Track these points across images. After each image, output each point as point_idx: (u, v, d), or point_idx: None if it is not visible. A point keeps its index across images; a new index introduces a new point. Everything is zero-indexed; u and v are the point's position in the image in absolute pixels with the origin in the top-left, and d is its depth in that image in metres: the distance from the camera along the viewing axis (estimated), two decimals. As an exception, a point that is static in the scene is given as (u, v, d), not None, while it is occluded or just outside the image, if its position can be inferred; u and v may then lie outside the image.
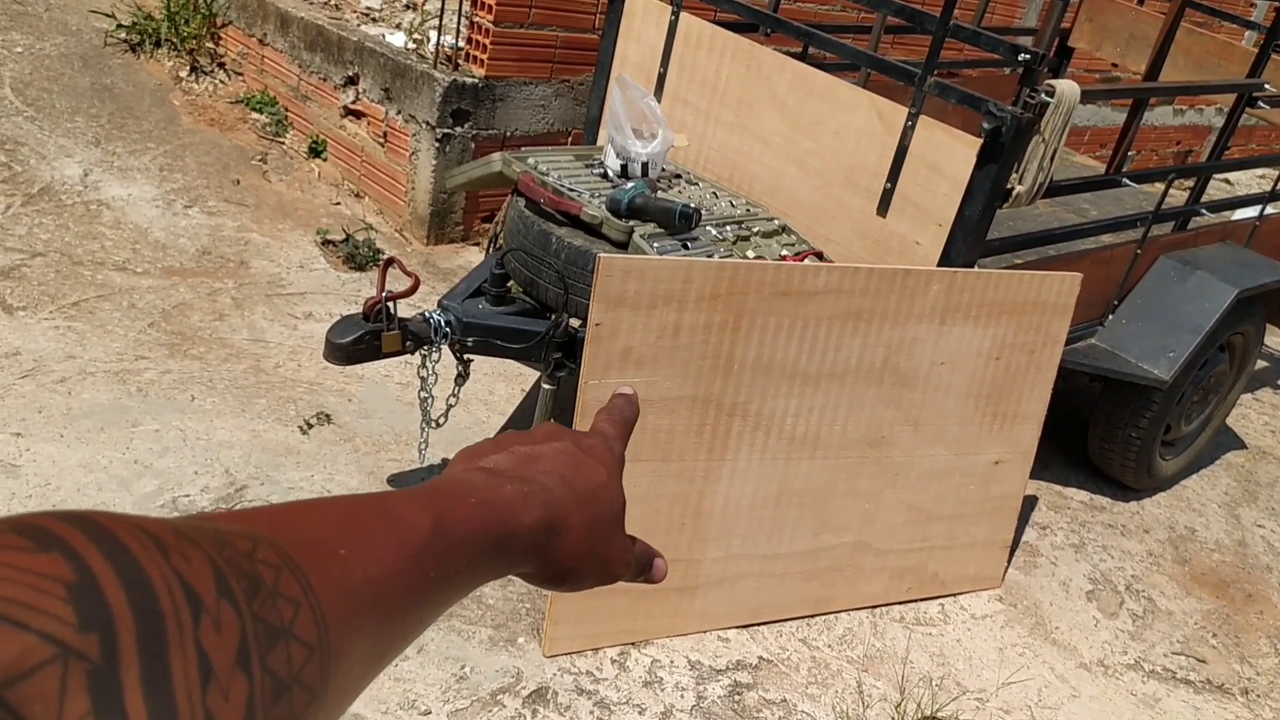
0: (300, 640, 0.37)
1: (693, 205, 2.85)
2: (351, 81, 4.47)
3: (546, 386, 2.86)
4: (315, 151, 4.68)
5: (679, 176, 3.25)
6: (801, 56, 3.56)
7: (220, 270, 3.76)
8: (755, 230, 3.00)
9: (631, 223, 2.78)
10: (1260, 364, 5.07)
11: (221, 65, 5.03)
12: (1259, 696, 3.00)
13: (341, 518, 0.44)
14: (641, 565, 0.65)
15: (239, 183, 4.35)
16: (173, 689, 0.32)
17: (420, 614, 0.47)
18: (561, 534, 0.56)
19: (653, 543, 0.67)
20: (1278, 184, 4.07)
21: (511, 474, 0.56)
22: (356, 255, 4.05)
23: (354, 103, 4.48)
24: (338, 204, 4.48)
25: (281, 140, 4.76)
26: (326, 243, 4.13)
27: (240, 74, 5.03)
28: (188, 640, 0.32)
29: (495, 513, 0.52)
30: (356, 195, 4.57)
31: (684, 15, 3.36)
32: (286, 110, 4.82)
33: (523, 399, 3.43)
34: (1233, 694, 2.99)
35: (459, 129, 4.13)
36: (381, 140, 4.39)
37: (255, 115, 4.80)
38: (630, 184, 2.92)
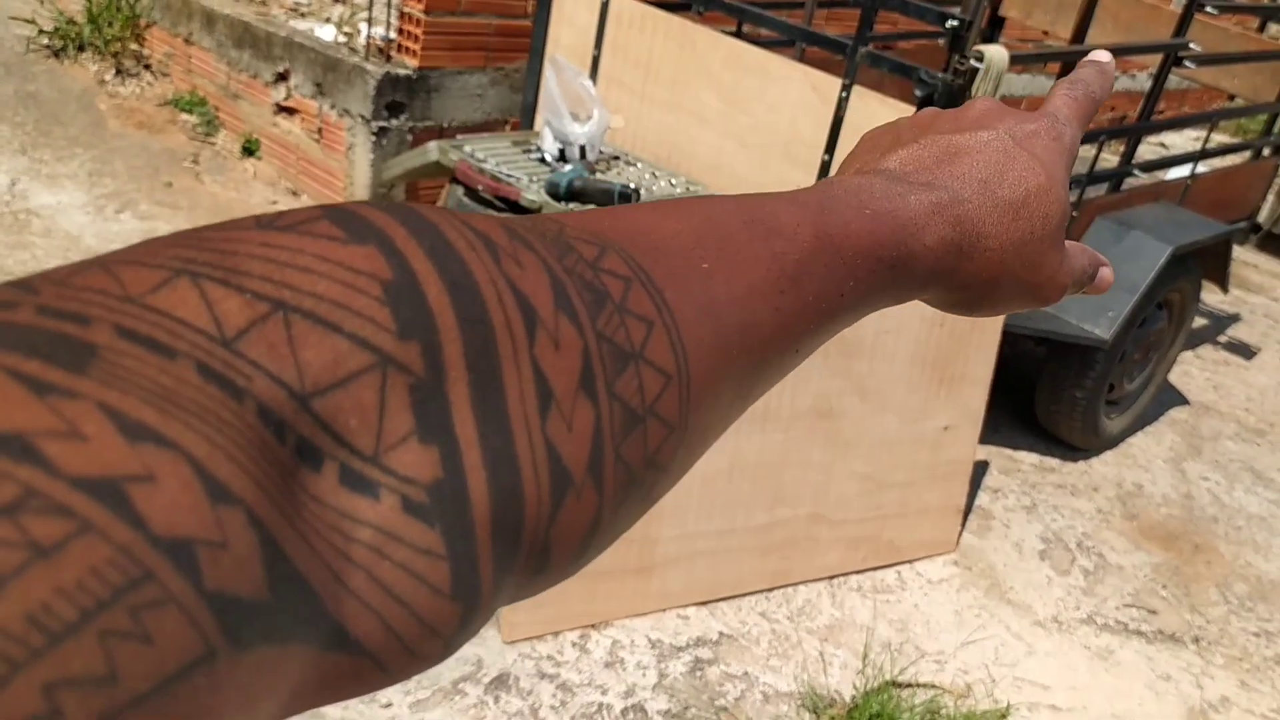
0: (655, 366, 0.31)
1: (632, 185, 2.84)
2: (282, 78, 4.40)
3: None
4: (249, 150, 4.61)
5: (617, 158, 3.24)
6: (736, 33, 3.57)
7: (156, 274, 3.69)
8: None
9: (571, 205, 2.77)
10: (1200, 321, 5.16)
11: (147, 67, 4.94)
12: (1209, 644, 3.06)
13: (704, 225, 0.36)
14: (1082, 279, 0.51)
15: (171, 185, 4.28)
16: (506, 412, 0.27)
17: (795, 343, 0.39)
18: (973, 256, 0.45)
19: None
20: (1207, 143, 4.15)
21: (919, 178, 0.45)
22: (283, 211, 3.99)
23: (286, 99, 4.42)
24: (275, 202, 4.41)
25: (213, 140, 4.68)
26: (265, 242, 4.07)
27: (167, 75, 4.93)
28: (523, 358, 0.28)
29: (893, 229, 0.42)
30: (294, 193, 4.50)
31: (615, -4, 3.35)
32: (217, 110, 4.74)
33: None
34: (1184, 643, 3.05)
35: (395, 121, 4.09)
36: (316, 136, 4.33)
37: (185, 116, 4.72)
38: (568, 167, 2.91)
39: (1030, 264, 0.46)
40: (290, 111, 4.44)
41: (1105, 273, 0.53)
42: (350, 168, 4.20)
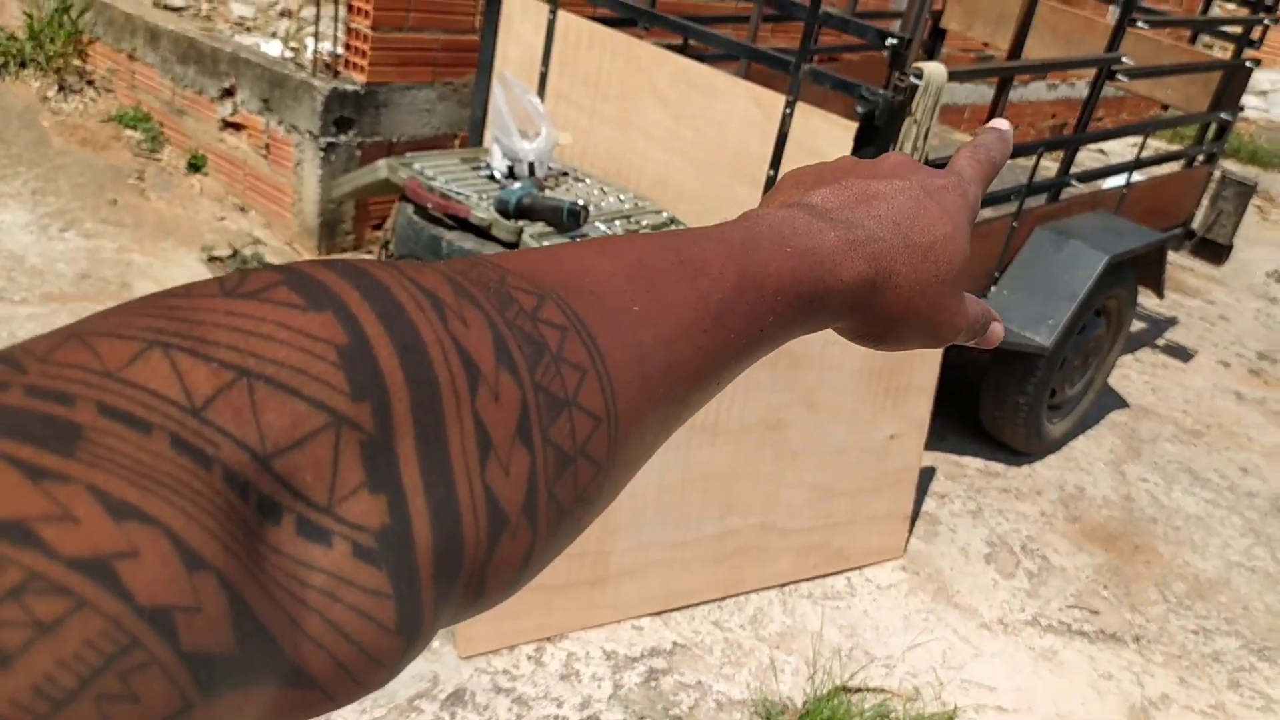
0: (586, 410, 0.34)
1: (581, 202, 2.87)
2: (228, 93, 4.38)
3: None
4: (195, 166, 4.58)
5: (566, 174, 3.27)
6: (682, 48, 3.61)
7: (102, 294, 3.66)
8: (644, 224, 3.04)
9: (520, 223, 2.80)
10: (1138, 325, 5.29)
11: (90, 83, 4.89)
12: (1150, 642, 3.15)
13: (636, 266, 0.39)
14: (976, 329, 0.55)
15: (116, 203, 4.24)
16: (449, 462, 0.30)
17: (718, 377, 0.41)
18: (885, 292, 0.48)
19: None
20: (1141, 152, 4.26)
21: (839, 215, 0.48)
22: (245, 271, 3.97)
23: (232, 115, 4.40)
24: (222, 219, 4.39)
25: (158, 157, 4.64)
26: (213, 259, 4.05)
27: (111, 91, 4.89)
28: (465, 411, 0.30)
29: (812, 265, 0.44)
30: (241, 209, 4.48)
31: (562, 13, 3.38)
32: (162, 126, 4.71)
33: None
34: (1125, 642, 3.13)
35: (343, 137, 4.09)
36: (264, 152, 4.31)
37: (129, 132, 4.68)
38: (518, 184, 2.93)
39: (934, 304, 0.50)
40: (237, 127, 4.42)
41: (996, 327, 0.57)
42: (298, 183, 4.19)
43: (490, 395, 0.31)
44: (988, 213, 3.62)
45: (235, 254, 4.06)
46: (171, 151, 4.67)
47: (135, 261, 3.91)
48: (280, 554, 0.26)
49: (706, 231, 0.43)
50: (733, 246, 0.42)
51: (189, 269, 3.95)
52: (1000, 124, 0.58)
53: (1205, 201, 5.08)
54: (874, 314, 0.48)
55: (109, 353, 0.25)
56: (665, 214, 3.15)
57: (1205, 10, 5.20)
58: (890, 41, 2.74)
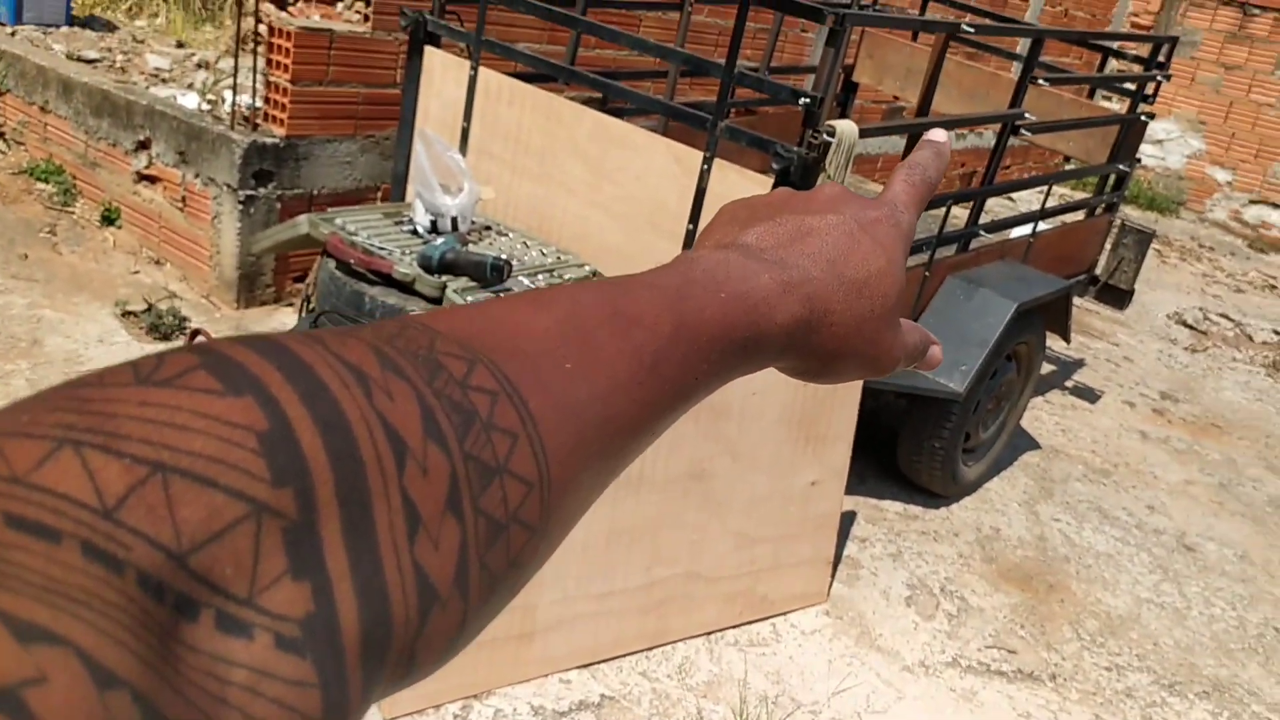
0: (517, 476, 0.34)
1: (504, 257, 2.90)
2: (143, 146, 4.33)
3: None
4: (109, 220, 4.51)
5: (489, 228, 3.29)
6: (602, 103, 3.68)
7: (11, 351, 3.57)
8: (567, 277, 3.07)
9: (444, 278, 2.81)
10: (1047, 368, 5.46)
11: (1, 135, 4.79)
12: (1065, 680, 3.23)
13: (569, 321, 0.38)
14: (912, 358, 0.55)
15: (26, 257, 4.15)
16: (376, 541, 0.29)
17: (653, 427, 0.41)
18: (821, 330, 0.48)
19: None
20: (1045, 202, 4.43)
21: (773, 255, 0.48)
22: (160, 325, 3.92)
23: (147, 168, 4.35)
24: (137, 273, 4.32)
25: (71, 210, 4.56)
26: (127, 314, 3.98)
27: (22, 143, 4.80)
28: (392, 488, 0.30)
29: (747, 310, 0.44)
30: (157, 262, 4.42)
31: (483, 70, 3.42)
32: (75, 178, 4.63)
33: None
34: (1042, 680, 3.21)
35: (262, 190, 4.06)
36: (180, 205, 4.26)
37: (41, 185, 4.59)
38: (440, 239, 2.95)
39: (870, 339, 0.50)
40: (152, 180, 4.37)
41: (935, 351, 0.57)
42: (216, 236, 4.15)
43: (418, 470, 0.31)
44: (901, 263, 3.73)
45: (150, 308, 3.99)
46: (84, 205, 4.59)
47: (46, 317, 3.83)
48: (198, 652, 0.25)
49: (641, 278, 0.43)
50: (668, 294, 0.42)
51: (102, 324, 3.88)
52: (937, 136, 0.58)
53: (1107, 248, 5.29)
54: (811, 352, 0.49)
55: (18, 455, 0.25)
56: (588, 267, 3.19)
57: (1102, 67, 5.44)
58: (803, 101, 2.83)
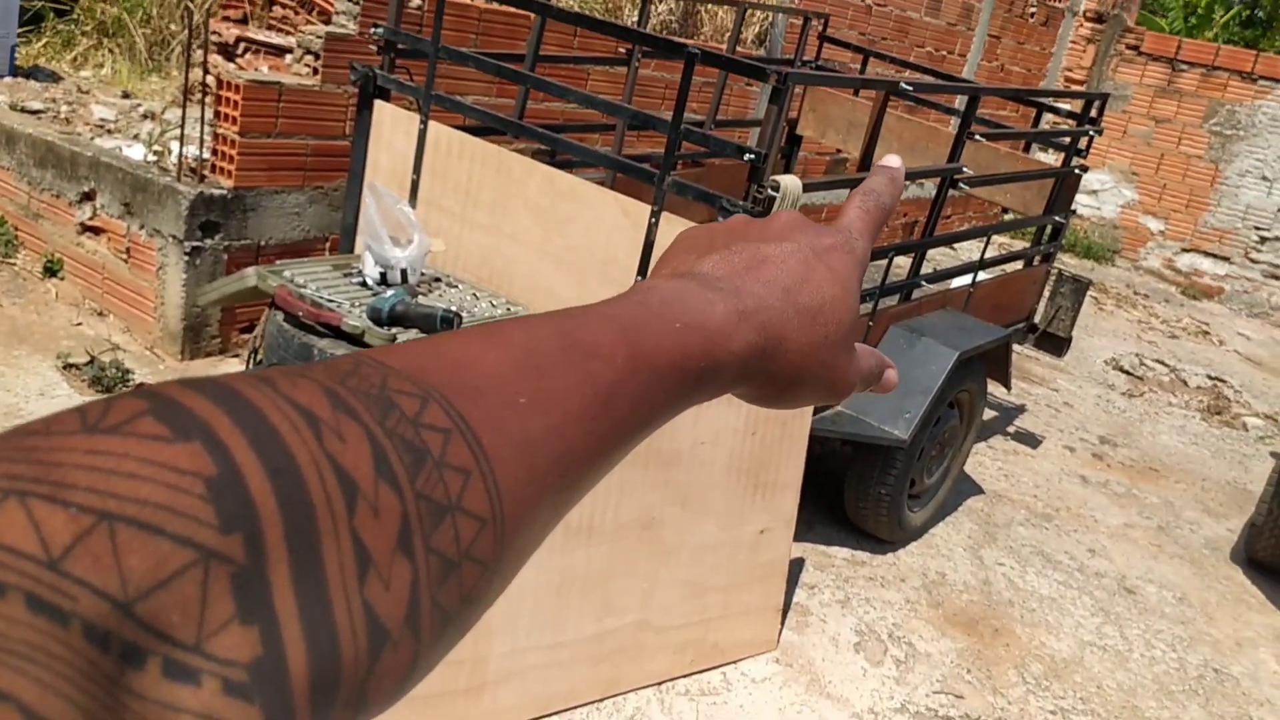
0: (470, 514, 0.34)
1: (454, 309, 2.91)
2: (88, 197, 4.30)
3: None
4: (51, 271, 4.46)
5: (439, 280, 3.31)
6: (551, 156, 3.72)
7: (-51, 405, 3.51)
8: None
9: (394, 330, 2.82)
10: (989, 414, 5.56)
11: (-60, 185, 4.73)
12: (1012, 723, 3.27)
13: (523, 355, 0.38)
14: (868, 382, 0.56)
15: (-34, 309, 4.09)
16: (325, 583, 0.29)
17: (609, 457, 0.41)
18: (776, 357, 0.48)
19: None
20: (985, 253, 4.54)
21: (728, 284, 0.48)
22: (103, 378, 3.87)
23: (91, 219, 4.32)
24: (79, 325, 4.27)
25: (12, 261, 4.51)
26: (69, 366, 3.93)
27: (-38, 193, 4.74)
28: (342, 530, 0.30)
29: (702, 340, 0.44)
30: (100, 314, 4.37)
31: (432, 123, 3.45)
32: (16, 230, 4.58)
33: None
34: (989, 724, 3.24)
35: (209, 241, 4.05)
36: (125, 256, 4.23)
37: (-19, 236, 4.53)
38: (390, 291, 2.96)
39: (826, 364, 0.51)
40: (96, 231, 4.33)
41: (890, 374, 0.58)
42: (161, 288, 4.12)
43: (369, 511, 0.31)
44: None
45: (92, 361, 3.94)
46: (26, 256, 4.54)
47: (-14, 370, 3.77)
48: (146, 700, 0.26)
49: (596, 309, 0.43)
50: (623, 325, 0.42)
51: (43, 377, 3.82)
52: (891, 161, 0.59)
53: (1046, 296, 5.42)
54: (767, 379, 0.49)
55: None
56: (537, 318, 3.22)
57: (1037, 122, 5.61)
58: (748, 156, 2.89)
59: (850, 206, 0.56)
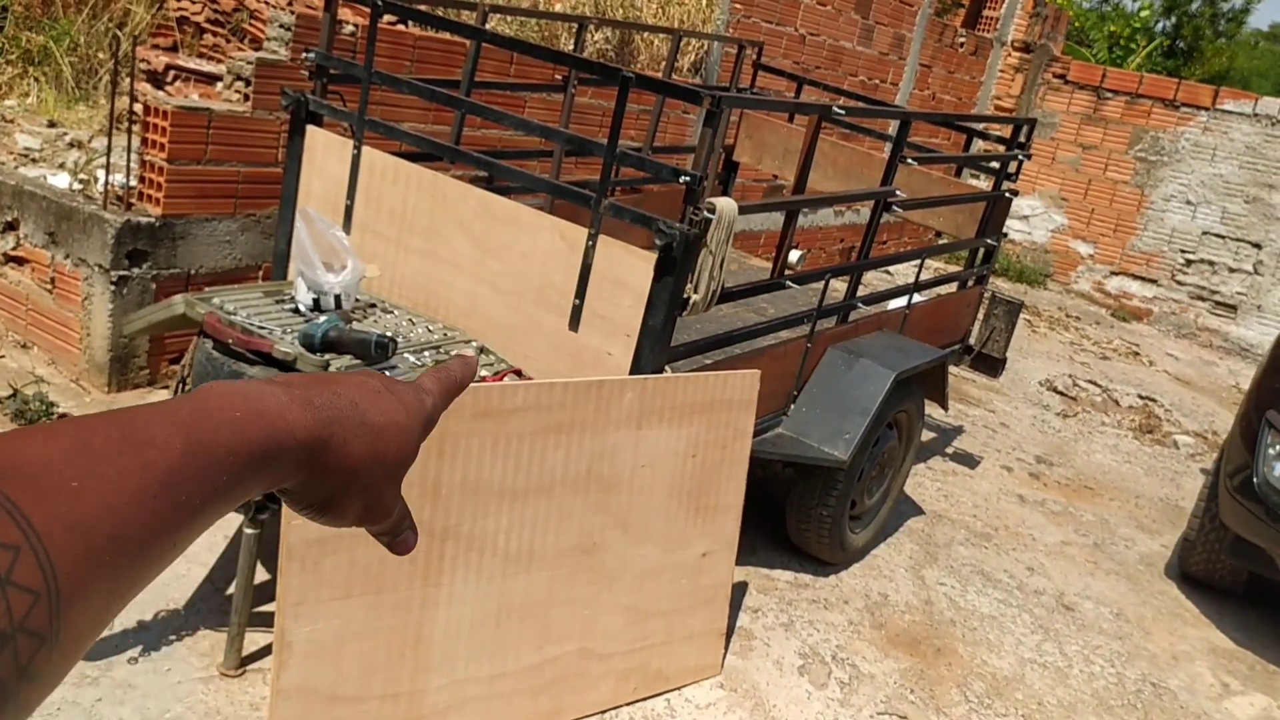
0: (21, 587, 0.35)
1: (389, 334, 2.87)
2: (11, 227, 4.19)
3: (249, 531, 2.76)
4: (-28, 302, 4.33)
5: (374, 305, 3.27)
6: (489, 181, 3.70)
7: None
8: (454, 353, 3.05)
9: (327, 356, 2.77)
10: (927, 435, 5.61)
11: None
12: (956, 742, 3.27)
13: (74, 446, 0.41)
14: (396, 527, 0.61)
15: (-119, 342, 3.95)
16: None
17: (175, 538, 0.43)
18: (338, 453, 0.52)
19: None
20: (919, 276, 4.59)
21: (298, 387, 0.53)
22: (26, 411, 3.75)
23: (15, 249, 4.20)
24: (2, 357, 4.14)
25: (-69, 293, 4.36)
26: (-9, 400, 3.80)
27: (-122, 224, 4.59)
28: None
29: (264, 424, 0.48)
30: (24, 346, 4.25)
31: (367, 149, 3.42)
32: (-64, 260, 4.44)
33: (225, 546, 3.27)
34: (933, 743, 3.24)
35: (137, 270, 3.96)
36: (49, 286, 4.12)
37: (-102, 267, 4.39)
38: (323, 317, 2.91)
39: (377, 481, 0.56)
40: (20, 261, 4.22)
41: (410, 537, 0.63)
42: (87, 318, 4.02)
43: None
44: (785, 334, 3.81)
45: (15, 394, 3.83)
46: (-55, 287, 4.40)
47: (-99, 405, 3.63)
48: None
49: (155, 407, 0.46)
50: (180, 417, 0.46)
51: (-37, 411, 3.70)
52: (467, 353, 0.71)
53: (980, 319, 5.50)
54: (324, 473, 0.53)
55: None
56: (475, 343, 3.18)
57: (967, 147, 5.70)
58: (684, 179, 2.90)
59: (427, 376, 0.63)
